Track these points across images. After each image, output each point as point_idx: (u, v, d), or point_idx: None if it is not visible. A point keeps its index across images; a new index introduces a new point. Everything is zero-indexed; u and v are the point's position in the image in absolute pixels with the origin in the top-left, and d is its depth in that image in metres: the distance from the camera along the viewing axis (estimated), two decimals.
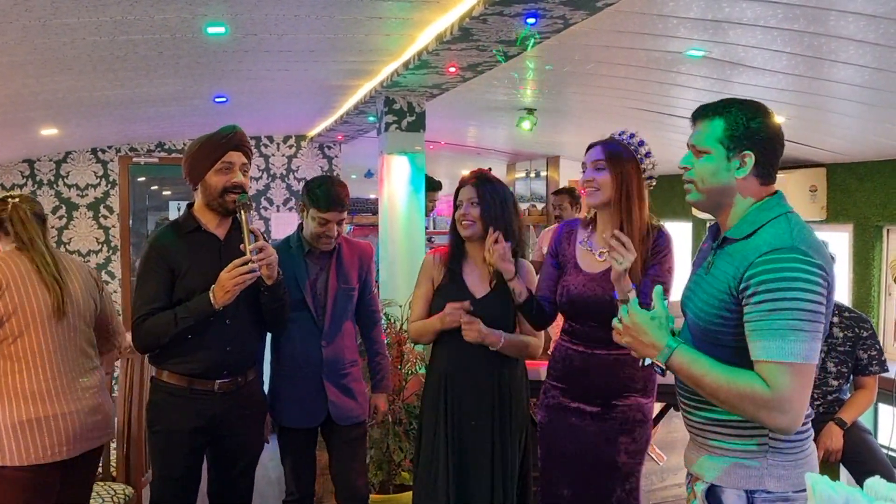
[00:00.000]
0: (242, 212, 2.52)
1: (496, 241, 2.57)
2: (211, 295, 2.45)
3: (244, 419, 2.67)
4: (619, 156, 2.51)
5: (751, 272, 1.67)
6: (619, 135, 2.57)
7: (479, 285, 2.80)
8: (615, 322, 1.85)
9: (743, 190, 1.79)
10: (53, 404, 2.45)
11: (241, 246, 2.49)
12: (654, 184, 2.61)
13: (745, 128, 1.77)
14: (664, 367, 1.77)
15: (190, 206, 2.68)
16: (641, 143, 2.55)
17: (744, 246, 1.75)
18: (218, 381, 2.58)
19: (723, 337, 1.76)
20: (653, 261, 2.49)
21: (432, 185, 5.59)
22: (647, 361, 1.83)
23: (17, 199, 2.54)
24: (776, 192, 1.82)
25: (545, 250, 3.19)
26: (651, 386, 2.56)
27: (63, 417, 2.45)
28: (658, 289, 1.85)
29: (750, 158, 1.77)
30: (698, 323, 1.83)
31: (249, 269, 2.44)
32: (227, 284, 2.43)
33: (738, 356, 1.71)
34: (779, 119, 3.97)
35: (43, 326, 2.45)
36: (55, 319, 2.47)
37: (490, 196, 2.76)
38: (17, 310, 2.41)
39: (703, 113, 1.84)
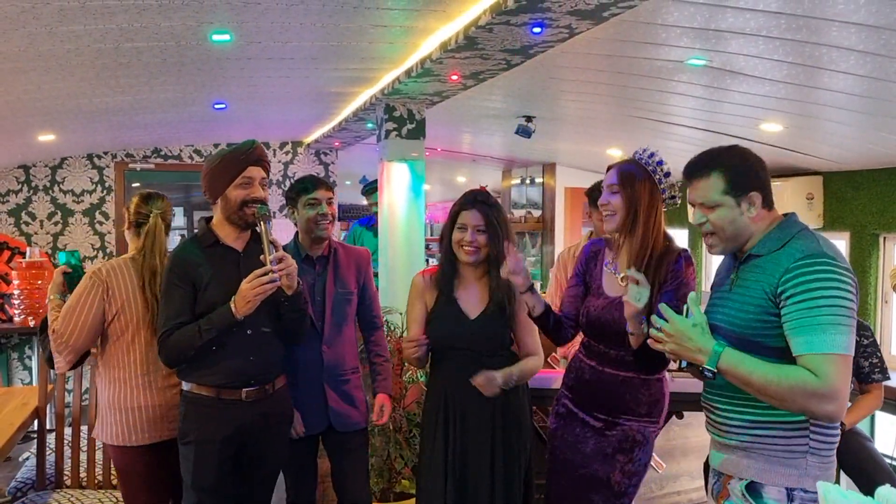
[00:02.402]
0: (262, 223, 2.55)
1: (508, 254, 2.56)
2: (232, 305, 2.49)
3: (270, 428, 2.70)
4: (631, 177, 2.49)
5: (787, 276, 1.80)
6: (641, 153, 2.56)
7: (473, 306, 2.78)
8: (653, 331, 1.92)
9: (757, 222, 1.94)
10: (144, 395, 2.75)
11: (262, 257, 2.52)
12: (679, 202, 2.58)
13: (745, 173, 1.92)
14: (714, 371, 1.83)
15: (208, 220, 2.71)
16: (660, 163, 2.52)
17: (775, 257, 1.87)
18: (245, 390, 2.61)
19: (764, 340, 1.86)
20: (668, 286, 2.44)
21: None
22: (684, 364, 1.89)
23: (159, 212, 2.85)
24: (791, 213, 1.97)
25: (568, 269, 3.20)
26: (657, 412, 2.55)
27: (148, 409, 2.75)
28: (692, 295, 1.92)
29: (757, 198, 1.92)
30: (734, 330, 1.92)
31: (270, 279, 2.48)
32: (248, 295, 2.47)
33: (781, 356, 1.81)
34: (776, 128, 3.99)
35: (137, 332, 2.76)
36: (147, 329, 2.77)
37: (496, 223, 2.73)
38: (120, 313, 2.73)
39: (695, 170, 1.97)
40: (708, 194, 1.94)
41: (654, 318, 1.93)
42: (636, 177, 2.49)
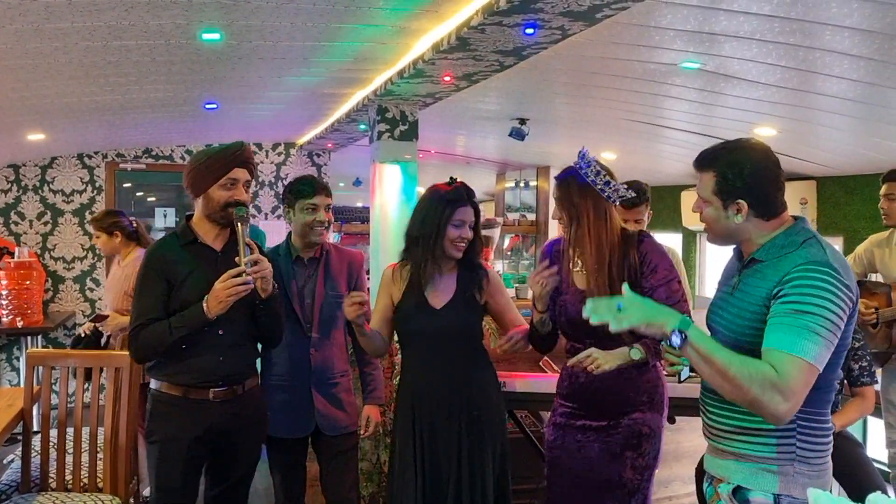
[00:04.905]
0: (239, 224, 2.53)
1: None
2: (204, 304, 2.48)
3: (242, 429, 2.67)
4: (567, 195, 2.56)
5: (787, 278, 1.77)
6: (582, 161, 2.54)
7: (439, 297, 2.76)
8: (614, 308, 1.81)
9: (748, 230, 1.90)
10: None
11: (237, 258, 2.50)
12: (628, 196, 2.57)
13: (734, 179, 1.87)
14: (683, 335, 1.73)
15: (189, 217, 2.69)
16: (598, 173, 2.50)
17: (777, 263, 1.83)
18: (213, 390, 2.59)
19: (758, 348, 1.80)
20: (645, 271, 2.46)
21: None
22: (683, 377, 1.87)
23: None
24: (799, 217, 1.93)
25: None
26: (658, 400, 2.54)
27: None
28: (625, 285, 1.88)
29: (744, 207, 1.88)
30: (730, 336, 1.90)
31: (243, 280, 2.47)
32: (221, 295, 2.46)
33: None
34: (770, 132, 3.95)
35: None
36: None
37: (479, 219, 2.77)
38: None
39: (699, 163, 1.96)
40: (702, 190, 1.94)
41: (611, 300, 1.84)
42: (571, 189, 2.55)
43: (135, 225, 4.39)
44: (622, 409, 2.49)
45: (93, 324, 4.27)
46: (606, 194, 2.50)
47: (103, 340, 4.27)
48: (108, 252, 4.47)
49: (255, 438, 2.80)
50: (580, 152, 2.54)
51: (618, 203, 2.56)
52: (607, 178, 2.50)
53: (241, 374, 2.67)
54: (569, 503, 2.57)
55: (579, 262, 2.58)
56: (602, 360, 2.33)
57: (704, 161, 1.94)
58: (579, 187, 2.52)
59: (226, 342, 2.59)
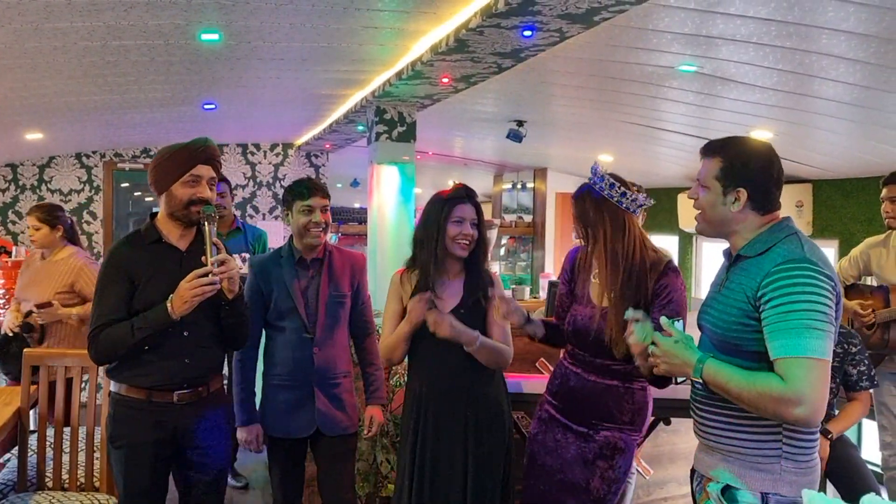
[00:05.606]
0: (206, 223, 2.48)
1: (503, 300, 2.63)
2: (169, 304, 2.42)
3: (209, 430, 2.62)
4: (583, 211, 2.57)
5: (767, 280, 1.82)
6: (595, 176, 2.54)
7: (447, 301, 2.77)
8: (651, 360, 1.98)
9: (742, 221, 1.96)
10: None
11: (203, 258, 2.45)
12: (649, 204, 2.58)
13: (740, 167, 1.94)
14: (703, 382, 1.88)
15: (153, 215, 2.63)
16: (612, 186, 2.50)
17: (759, 260, 1.89)
18: (177, 393, 2.53)
19: (743, 344, 1.88)
20: (659, 301, 2.45)
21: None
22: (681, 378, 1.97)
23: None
24: (786, 216, 1.98)
25: None
26: (640, 420, 2.56)
27: None
28: (663, 319, 1.97)
29: (743, 195, 1.93)
30: (716, 332, 1.96)
31: (210, 280, 2.41)
32: (186, 295, 2.40)
33: (760, 360, 1.83)
34: (766, 135, 3.98)
35: None
36: None
37: (482, 218, 2.78)
38: None
39: (707, 149, 2.02)
40: (704, 174, 1.99)
41: (650, 347, 1.98)
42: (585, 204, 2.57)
43: (70, 222, 4.27)
44: (601, 420, 2.52)
45: (19, 319, 3.94)
46: (625, 205, 2.50)
47: (37, 336, 4.00)
48: (43, 245, 4.20)
49: (223, 440, 2.73)
50: (592, 168, 2.55)
51: (638, 213, 2.54)
52: (623, 189, 2.49)
53: (205, 375, 2.62)
54: (539, 499, 2.61)
55: (596, 274, 2.59)
56: (664, 366, 1.96)
57: (713, 148, 2.00)
58: (595, 202, 2.52)
59: (191, 344, 2.54)
